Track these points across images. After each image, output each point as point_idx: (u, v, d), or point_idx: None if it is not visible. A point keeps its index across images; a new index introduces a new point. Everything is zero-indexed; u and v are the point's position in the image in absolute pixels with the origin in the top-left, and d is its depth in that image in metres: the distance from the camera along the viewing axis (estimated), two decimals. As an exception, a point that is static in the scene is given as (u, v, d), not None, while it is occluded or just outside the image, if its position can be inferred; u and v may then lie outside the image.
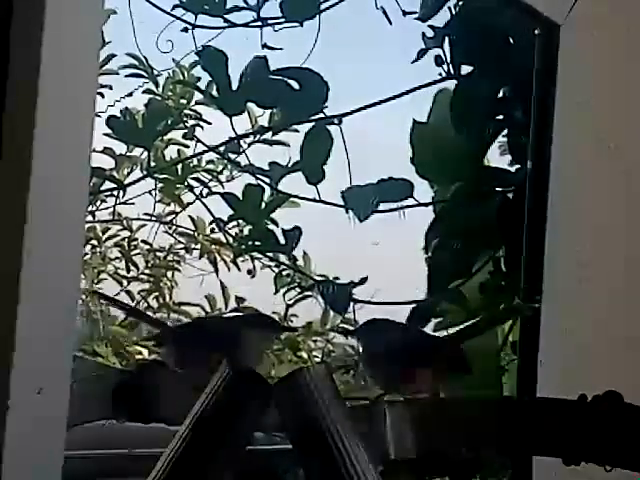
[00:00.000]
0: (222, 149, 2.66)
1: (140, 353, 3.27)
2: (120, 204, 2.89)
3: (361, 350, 1.80)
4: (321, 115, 2.41)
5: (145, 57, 2.67)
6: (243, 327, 1.73)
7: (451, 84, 2.50)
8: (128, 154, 2.86)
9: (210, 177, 2.83)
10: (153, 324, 1.98)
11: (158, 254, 3.33)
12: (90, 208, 2.93)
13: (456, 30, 2.42)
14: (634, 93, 2.22)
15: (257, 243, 2.56)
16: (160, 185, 2.92)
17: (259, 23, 2.41)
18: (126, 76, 2.71)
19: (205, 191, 2.83)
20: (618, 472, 1.52)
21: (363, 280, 2.42)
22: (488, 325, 1.82)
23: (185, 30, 2.43)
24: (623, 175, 2.22)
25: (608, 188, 2.21)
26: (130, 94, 2.75)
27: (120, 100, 2.71)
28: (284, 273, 2.72)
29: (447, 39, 2.41)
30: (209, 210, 2.85)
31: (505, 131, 2.48)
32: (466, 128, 2.45)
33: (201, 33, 2.43)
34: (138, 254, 3.31)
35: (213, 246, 3.16)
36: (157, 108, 2.69)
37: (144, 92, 2.74)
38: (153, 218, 3.13)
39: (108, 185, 2.79)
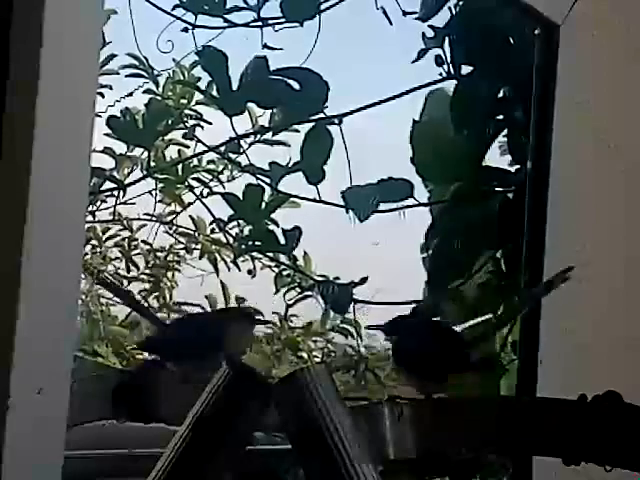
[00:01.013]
0: (222, 149, 2.66)
1: (140, 353, 3.27)
2: (120, 204, 2.89)
3: (391, 348, 1.78)
4: (321, 115, 2.42)
5: (145, 57, 2.67)
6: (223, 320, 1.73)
7: (445, 84, 2.50)
8: (128, 154, 2.86)
9: (210, 177, 2.83)
10: (152, 320, 1.98)
11: (158, 254, 3.32)
12: (90, 208, 2.92)
13: (456, 30, 2.42)
14: (634, 93, 2.22)
15: (257, 243, 2.57)
16: (160, 185, 2.93)
17: (259, 23, 2.41)
18: (126, 76, 2.72)
19: (205, 191, 2.83)
20: (618, 472, 1.52)
21: (363, 280, 2.42)
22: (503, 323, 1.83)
23: (185, 30, 2.43)
24: (623, 175, 2.22)
25: (608, 188, 2.21)
26: (130, 94, 2.75)
27: (120, 100, 2.71)
28: (284, 273, 2.72)
29: (447, 39, 2.42)
30: (209, 210, 2.85)
31: (505, 131, 2.48)
32: (466, 128, 2.46)
33: (201, 33, 2.43)
34: (138, 254, 3.31)
35: (213, 246, 3.16)
36: (157, 108, 2.69)
37: (144, 92, 2.74)
38: (153, 218, 3.13)
39: (108, 185, 2.79)
